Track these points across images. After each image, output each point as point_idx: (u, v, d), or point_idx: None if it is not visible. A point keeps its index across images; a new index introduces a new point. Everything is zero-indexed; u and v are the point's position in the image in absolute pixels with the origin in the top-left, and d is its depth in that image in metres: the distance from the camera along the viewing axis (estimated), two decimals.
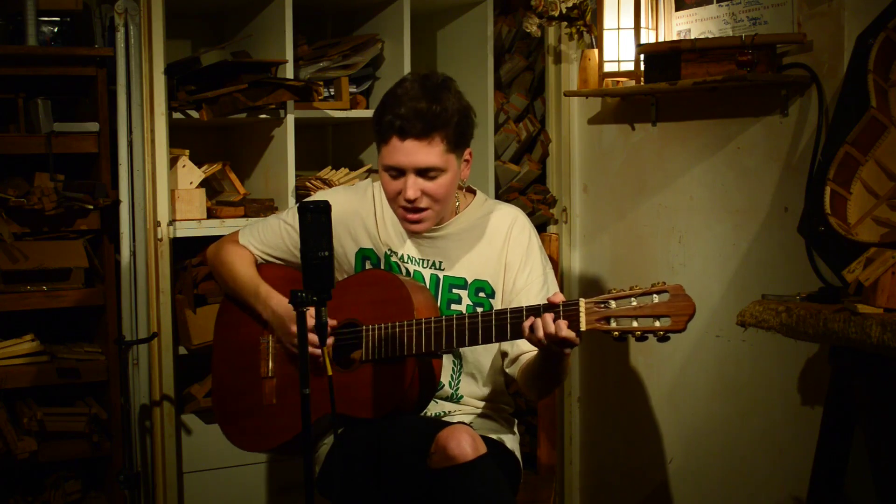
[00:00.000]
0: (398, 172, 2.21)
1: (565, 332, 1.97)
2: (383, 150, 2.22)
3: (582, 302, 1.98)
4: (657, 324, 1.94)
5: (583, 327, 1.98)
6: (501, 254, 2.33)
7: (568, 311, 1.99)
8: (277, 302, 2.32)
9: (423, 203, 2.23)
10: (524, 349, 2.28)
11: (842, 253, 2.25)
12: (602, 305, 1.97)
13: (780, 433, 2.76)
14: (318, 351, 2.18)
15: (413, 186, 2.20)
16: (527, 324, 2.02)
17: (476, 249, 2.34)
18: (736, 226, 2.83)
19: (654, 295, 1.94)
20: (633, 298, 1.96)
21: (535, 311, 2.03)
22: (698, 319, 2.91)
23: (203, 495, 3.00)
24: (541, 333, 1.99)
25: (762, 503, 2.81)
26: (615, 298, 1.97)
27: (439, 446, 2.02)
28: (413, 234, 2.33)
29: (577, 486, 3.47)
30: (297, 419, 1.97)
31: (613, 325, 1.96)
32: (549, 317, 1.99)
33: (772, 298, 2.41)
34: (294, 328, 2.24)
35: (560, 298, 2.01)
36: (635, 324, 1.95)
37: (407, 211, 2.24)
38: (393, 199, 2.26)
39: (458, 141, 2.22)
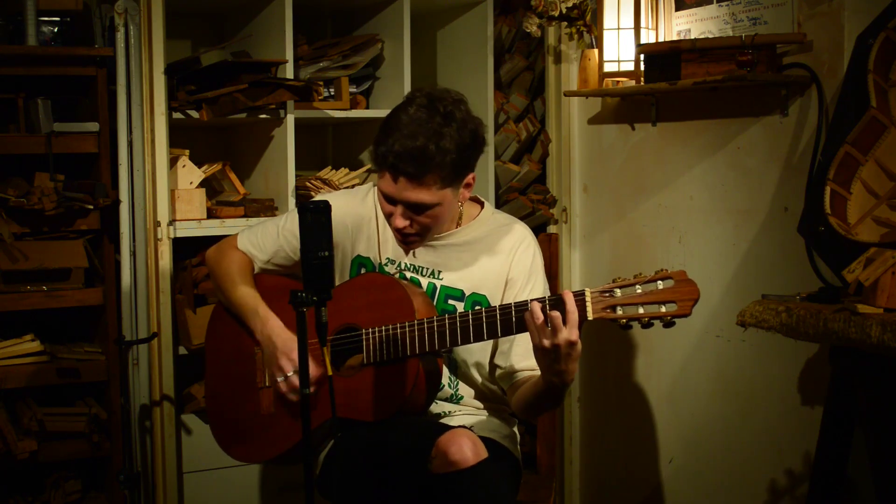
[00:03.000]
0: (391, 201, 2.19)
1: (570, 303, 1.95)
2: (378, 176, 2.19)
3: (588, 291, 1.99)
4: (663, 309, 1.95)
5: (590, 316, 1.98)
6: (503, 270, 2.31)
7: (575, 302, 1.99)
8: (273, 327, 2.31)
9: (414, 230, 2.21)
10: (517, 367, 2.27)
11: (842, 253, 2.25)
12: (607, 294, 1.98)
13: (780, 433, 2.76)
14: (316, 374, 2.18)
15: (401, 217, 2.18)
16: (528, 315, 1.99)
17: (477, 263, 2.32)
18: (736, 226, 2.83)
19: (659, 282, 1.96)
20: (637, 286, 1.97)
21: (540, 303, 2.03)
22: (698, 319, 2.92)
23: (203, 495, 3.00)
24: (540, 317, 1.97)
25: (762, 503, 2.81)
26: (620, 287, 1.98)
27: (440, 451, 2.02)
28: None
29: (577, 486, 3.47)
30: (295, 427, 1.96)
31: (620, 312, 1.98)
32: (537, 305, 1.98)
33: (772, 298, 2.41)
34: (282, 363, 2.26)
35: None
36: (641, 310, 1.96)
37: (398, 232, 2.24)
38: (385, 217, 2.25)
39: (456, 175, 2.17)
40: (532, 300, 2.02)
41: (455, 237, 2.32)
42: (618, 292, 1.98)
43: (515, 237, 2.34)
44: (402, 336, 2.16)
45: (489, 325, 2.09)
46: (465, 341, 2.13)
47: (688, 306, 1.94)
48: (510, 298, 2.30)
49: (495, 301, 2.31)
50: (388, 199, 2.19)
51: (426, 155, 2.09)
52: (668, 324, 1.96)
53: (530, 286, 2.31)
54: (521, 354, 2.26)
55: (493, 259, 2.32)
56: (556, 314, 1.95)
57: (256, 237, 2.45)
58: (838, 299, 2.28)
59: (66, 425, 2.84)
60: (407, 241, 2.25)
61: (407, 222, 2.19)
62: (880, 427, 2.27)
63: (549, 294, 2.33)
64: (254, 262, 2.44)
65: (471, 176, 2.22)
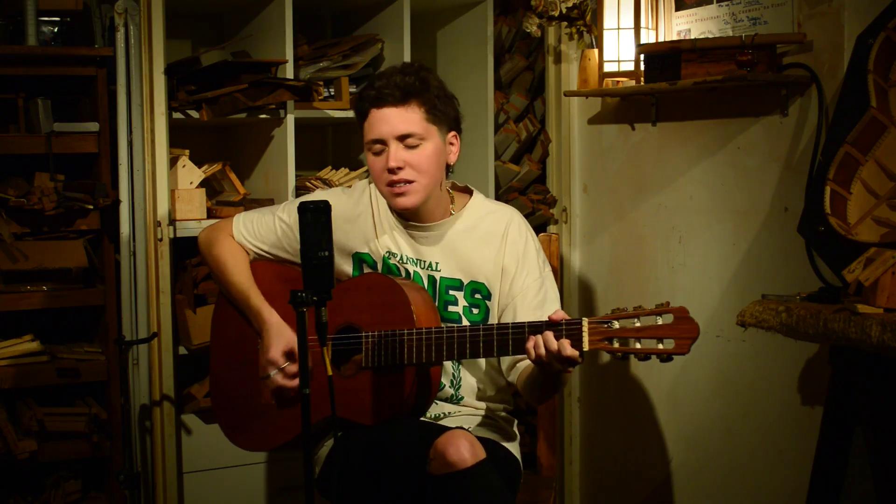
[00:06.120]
0: (381, 145, 2.22)
1: (569, 351, 1.96)
2: (364, 127, 2.25)
3: (585, 321, 1.97)
4: (660, 346, 1.93)
5: (585, 347, 1.97)
6: (498, 256, 2.32)
7: (570, 331, 1.98)
8: (264, 319, 2.32)
9: (408, 174, 2.22)
10: (519, 357, 2.28)
11: (842, 253, 2.25)
12: (605, 325, 1.97)
13: (780, 433, 2.76)
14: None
15: (395, 155, 2.20)
16: (530, 344, 2.01)
17: (472, 251, 2.33)
18: (736, 226, 2.83)
19: (658, 316, 1.94)
20: (636, 319, 1.95)
21: (537, 328, 2.02)
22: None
23: (203, 495, 3.00)
24: (542, 351, 1.99)
25: (762, 503, 2.81)
26: (618, 318, 1.96)
27: (438, 452, 2.02)
28: (407, 227, 2.33)
29: (577, 486, 3.47)
30: (296, 420, 1.97)
31: (616, 345, 1.96)
32: (550, 335, 1.99)
33: (772, 298, 2.41)
34: (271, 355, 2.27)
35: (561, 315, 2.01)
36: (638, 345, 1.94)
37: (392, 185, 2.23)
38: (379, 177, 2.25)
39: (440, 115, 2.24)
40: (528, 331, 2.03)
41: (448, 226, 2.33)
42: (616, 324, 1.96)
43: (505, 222, 2.35)
44: (399, 343, 2.16)
45: (486, 343, 2.10)
46: (462, 356, 2.14)
47: (686, 345, 1.92)
48: (506, 284, 2.31)
49: (494, 288, 2.32)
50: (378, 142, 2.23)
51: (407, 82, 2.21)
52: (665, 360, 1.94)
53: (524, 272, 2.32)
54: None
55: (486, 246, 2.33)
56: (554, 350, 1.97)
57: (252, 225, 2.45)
58: (838, 299, 2.28)
59: (66, 425, 2.84)
60: (402, 189, 2.23)
61: (401, 161, 2.21)
62: (880, 427, 2.27)
63: (547, 272, 2.36)
64: (248, 250, 2.44)
65: (453, 134, 2.29)
